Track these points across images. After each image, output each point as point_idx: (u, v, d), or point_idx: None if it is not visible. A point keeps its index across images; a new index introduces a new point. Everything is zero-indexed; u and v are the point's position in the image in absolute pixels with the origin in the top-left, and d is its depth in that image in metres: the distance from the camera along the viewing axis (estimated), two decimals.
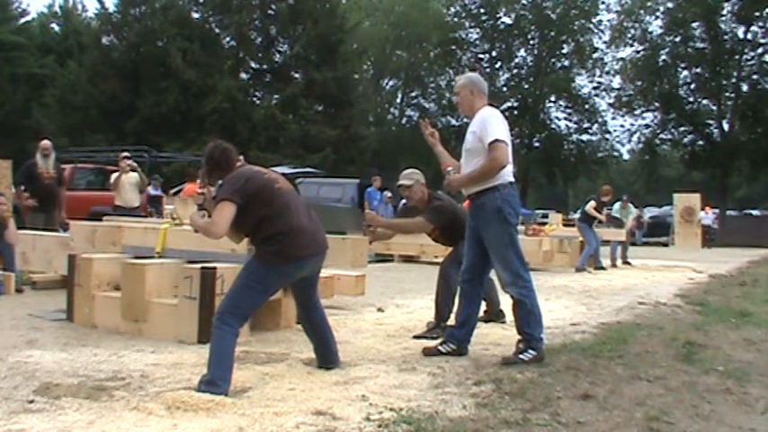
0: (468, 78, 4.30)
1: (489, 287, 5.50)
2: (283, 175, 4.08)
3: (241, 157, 3.75)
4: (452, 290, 5.05)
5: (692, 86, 34.99)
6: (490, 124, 3.95)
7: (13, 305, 5.72)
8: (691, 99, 35.26)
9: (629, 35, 35.54)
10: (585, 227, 11.72)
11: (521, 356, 3.96)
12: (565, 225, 15.47)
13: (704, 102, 34.96)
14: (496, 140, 3.90)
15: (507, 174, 4.04)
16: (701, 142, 35.00)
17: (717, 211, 26.37)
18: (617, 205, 13.30)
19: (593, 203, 11.83)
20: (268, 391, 3.27)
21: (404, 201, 5.63)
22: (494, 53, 40.55)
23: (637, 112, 36.33)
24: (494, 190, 3.98)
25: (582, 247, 11.79)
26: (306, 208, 3.58)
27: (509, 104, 41.06)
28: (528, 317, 4.03)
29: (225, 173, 3.47)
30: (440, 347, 4.21)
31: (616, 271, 11.85)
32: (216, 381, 3.13)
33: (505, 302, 5.75)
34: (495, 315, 5.54)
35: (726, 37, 33.58)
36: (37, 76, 33.60)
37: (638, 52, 35.35)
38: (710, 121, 35.01)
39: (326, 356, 3.76)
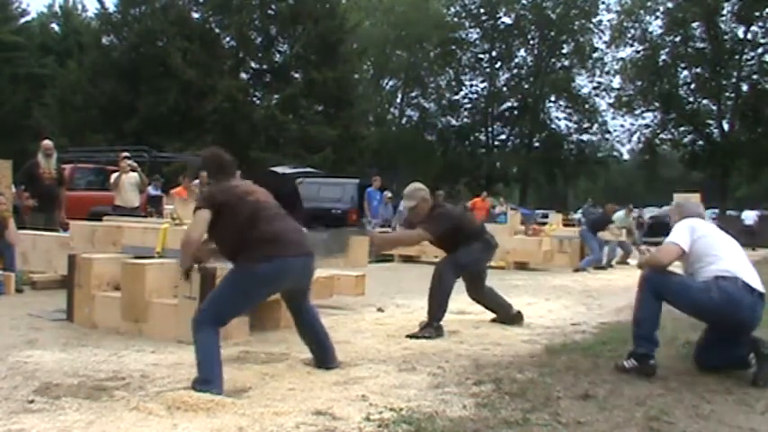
0: (676, 205, 4.47)
1: (493, 295, 5.49)
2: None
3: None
4: (446, 291, 5.03)
5: (692, 86, 34.99)
6: (673, 230, 3.98)
7: (13, 305, 5.71)
8: (691, 99, 35.26)
9: (629, 35, 35.54)
10: (589, 235, 11.80)
11: (624, 362, 3.83)
12: (565, 225, 15.48)
13: (704, 102, 34.97)
14: (666, 243, 3.94)
15: (708, 267, 3.80)
16: (700, 142, 35.00)
17: (763, 212, 24.41)
18: (621, 213, 13.35)
19: (617, 225, 12.47)
20: (268, 391, 3.27)
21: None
22: (494, 53, 40.58)
23: (637, 112, 36.35)
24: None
25: (582, 247, 11.87)
26: (282, 214, 3.58)
27: (509, 104, 41.14)
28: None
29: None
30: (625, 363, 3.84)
31: (616, 271, 11.84)
32: (209, 378, 3.14)
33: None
34: (510, 319, 5.50)
35: (726, 37, 33.58)
36: (37, 76, 33.59)
37: (638, 52, 35.36)
38: (710, 121, 35.02)
39: (323, 357, 3.77)
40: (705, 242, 3.88)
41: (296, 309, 3.73)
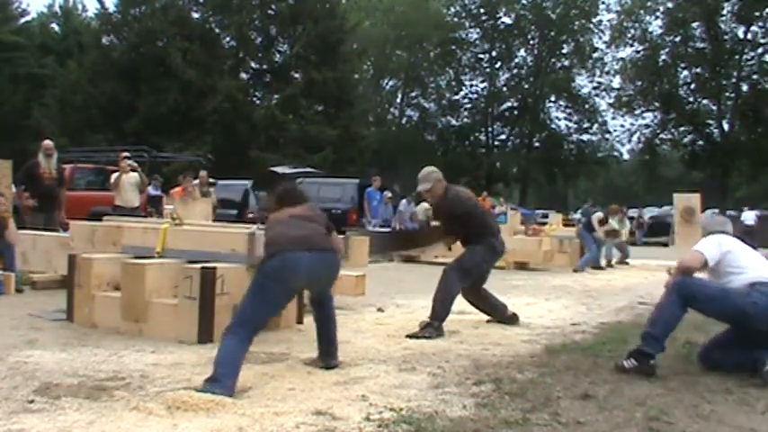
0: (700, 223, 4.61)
1: (485, 295, 5.48)
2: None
3: None
4: (452, 294, 5.03)
5: (692, 86, 35.01)
6: (700, 242, 4.10)
7: (13, 305, 5.71)
8: (691, 99, 35.28)
9: (629, 35, 35.57)
10: (586, 234, 11.86)
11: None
12: (565, 225, 15.49)
13: (704, 102, 35.00)
14: (692, 250, 4.07)
15: (738, 277, 3.89)
16: (700, 142, 35.03)
17: (763, 212, 24.01)
18: (615, 217, 13.43)
19: (599, 216, 12.20)
20: (268, 391, 3.27)
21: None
22: (494, 53, 40.61)
23: (637, 112, 36.38)
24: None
25: (581, 247, 11.89)
26: (297, 221, 3.74)
27: (509, 104, 41.15)
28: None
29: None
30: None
31: (616, 271, 11.86)
32: (220, 378, 3.14)
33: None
34: (505, 321, 5.49)
35: (726, 37, 33.61)
36: (37, 76, 33.61)
37: (638, 52, 35.38)
38: (710, 121, 35.04)
39: (325, 354, 3.82)
40: (732, 256, 3.98)
41: (317, 302, 3.91)
